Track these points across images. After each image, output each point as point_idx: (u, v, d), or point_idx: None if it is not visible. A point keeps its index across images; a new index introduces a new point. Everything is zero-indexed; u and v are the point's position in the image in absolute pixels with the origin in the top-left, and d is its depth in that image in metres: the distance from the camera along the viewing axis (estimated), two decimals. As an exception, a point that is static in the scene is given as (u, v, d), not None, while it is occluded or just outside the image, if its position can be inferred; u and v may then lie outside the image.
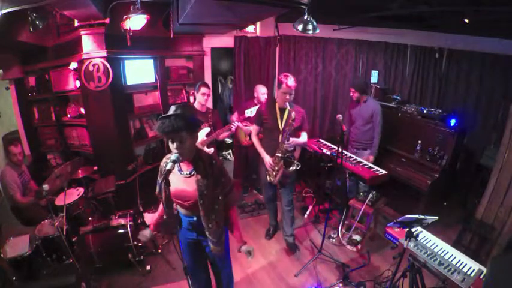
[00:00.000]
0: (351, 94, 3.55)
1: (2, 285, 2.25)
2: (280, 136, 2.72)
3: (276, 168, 2.77)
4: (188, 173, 1.70)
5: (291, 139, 2.69)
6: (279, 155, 2.71)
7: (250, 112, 3.10)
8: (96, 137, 3.42)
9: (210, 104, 4.11)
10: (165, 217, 1.70)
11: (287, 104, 2.67)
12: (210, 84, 3.37)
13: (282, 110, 2.76)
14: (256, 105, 3.40)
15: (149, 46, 3.64)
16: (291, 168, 2.71)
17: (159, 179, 1.79)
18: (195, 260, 2.01)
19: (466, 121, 3.46)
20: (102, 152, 3.42)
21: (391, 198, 3.55)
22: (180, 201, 1.74)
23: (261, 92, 3.72)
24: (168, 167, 1.50)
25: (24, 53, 3.37)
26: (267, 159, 2.79)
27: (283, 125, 2.74)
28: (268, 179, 2.85)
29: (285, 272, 2.85)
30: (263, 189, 3.22)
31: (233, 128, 3.11)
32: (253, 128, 2.94)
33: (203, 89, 3.16)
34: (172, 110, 1.56)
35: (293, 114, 2.60)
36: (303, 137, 2.85)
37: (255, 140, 2.92)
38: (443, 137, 3.36)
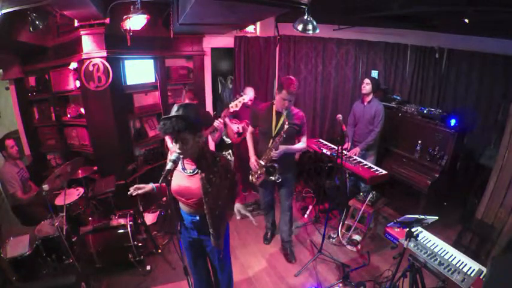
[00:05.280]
0: (364, 85, 3.47)
1: (2, 285, 2.25)
2: (271, 142, 2.60)
3: (259, 172, 2.71)
4: (192, 171, 1.70)
5: (281, 148, 2.53)
6: (262, 163, 2.64)
7: (235, 105, 2.94)
8: (96, 137, 3.42)
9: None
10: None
11: (283, 110, 2.49)
12: (209, 84, 3.36)
13: (279, 115, 2.58)
14: (241, 97, 3.20)
15: (149, 46, 3.64)
16: (271, 177, 2.62)
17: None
18: (195, 259, 2.01)
19: (466, 121, 3.45)
20: (102, 152, 3.42)
21: (391, 198, 3.55)
22: (183, 199, 1.74)
23: (248, 95, 3.55)
24: (168, 167, 1.51)
25: (24, 53, 3.37)
26: (253, 159, 2.74)
27: (276, 131, 2.59)
28: (250, 178, 2.81)
29: (285, 272, 2.85)
30: (260, 193, 3.09)
31: (217, 125, 2.91)
32: (250, 128, 2.87)
33: (189, 98, 3.26)
34: (174, 111, 1.56)
35: (286, 126, 2.44)
36: (302, 143, 2.71)
37: (249, 138, 2.84)
38: (443, 137, 3.36)
